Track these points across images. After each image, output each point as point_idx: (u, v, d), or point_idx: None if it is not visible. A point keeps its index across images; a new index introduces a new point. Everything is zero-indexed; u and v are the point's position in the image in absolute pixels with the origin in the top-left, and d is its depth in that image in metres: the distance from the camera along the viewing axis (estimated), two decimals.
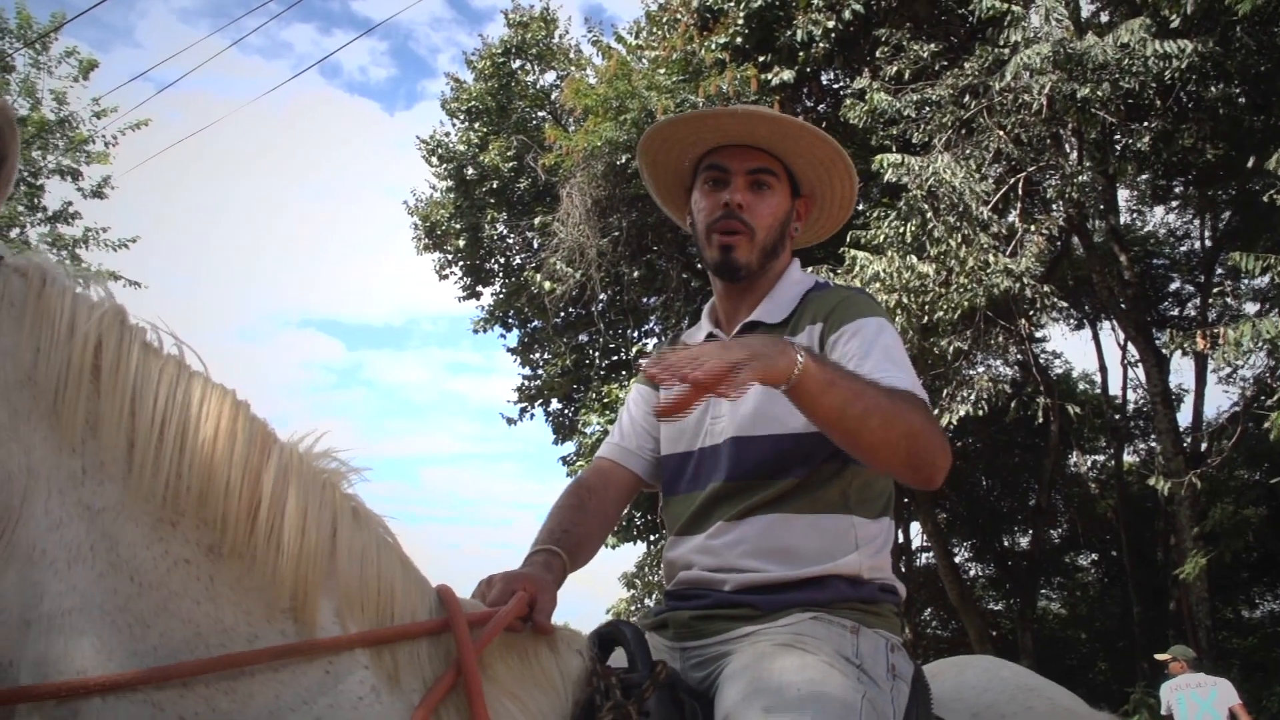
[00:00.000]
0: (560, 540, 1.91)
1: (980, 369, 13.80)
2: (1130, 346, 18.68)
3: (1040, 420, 14.06)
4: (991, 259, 11.55)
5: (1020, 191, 12.78)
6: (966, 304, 11.59)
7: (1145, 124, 12.46)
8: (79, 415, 1.26)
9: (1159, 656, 10.19)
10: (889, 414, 1.64)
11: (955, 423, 12.47)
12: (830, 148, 2.07)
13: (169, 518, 1.28)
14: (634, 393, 2.30)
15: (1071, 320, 20.50)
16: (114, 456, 1.27)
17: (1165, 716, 9.59)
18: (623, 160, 13.80)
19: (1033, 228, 12.76)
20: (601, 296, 16.23)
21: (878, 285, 11.26)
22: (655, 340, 17.25)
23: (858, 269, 11.41)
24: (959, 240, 11.46)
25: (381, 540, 1.49)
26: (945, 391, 12.53)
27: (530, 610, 1.60)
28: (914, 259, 11.42)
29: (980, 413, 12.55)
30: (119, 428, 1.28)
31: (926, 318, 11.70)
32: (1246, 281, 18.07)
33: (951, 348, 12.39)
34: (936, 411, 11.03)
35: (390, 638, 1.39)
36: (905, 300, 11.41)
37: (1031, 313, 13.10)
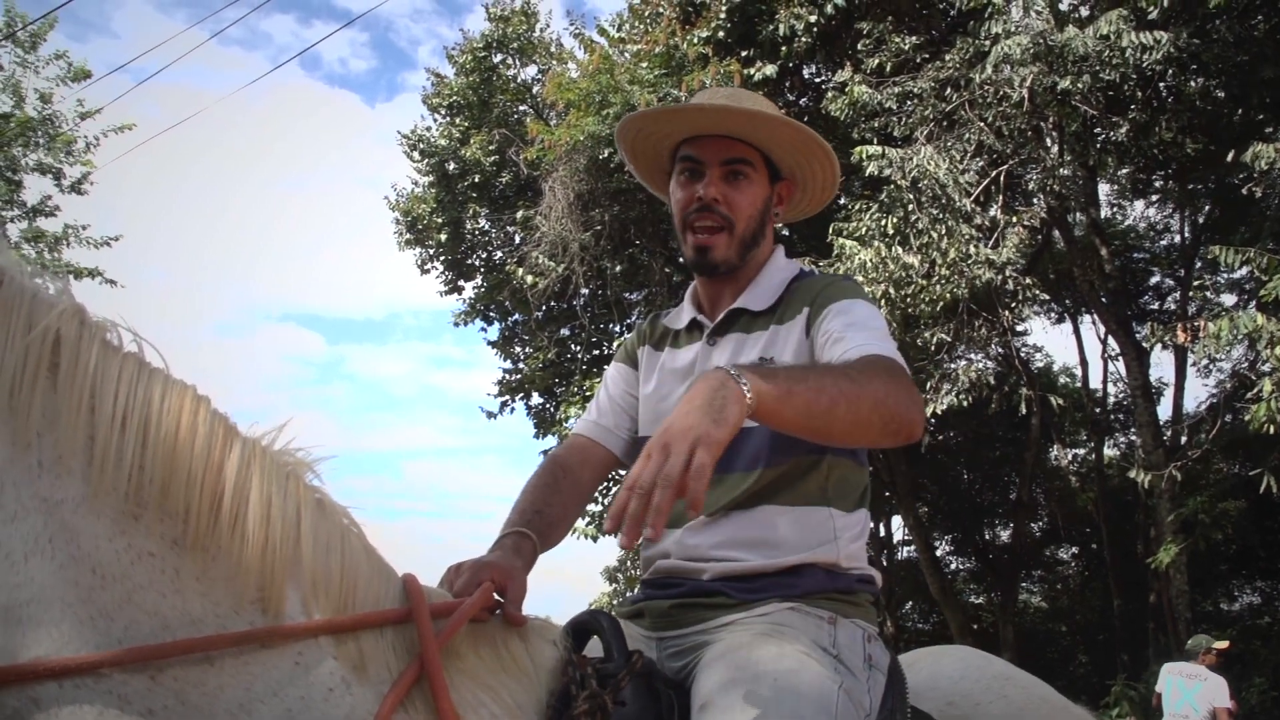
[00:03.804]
0: (531, 521, 1.89)
1: (962, 362, 13.84)
2: (1111, 340, 18.79)
3: (1021, 413, 14.11)
4: (973, 250, 11.56)
5: (1002, 184, 12.80)
6: (949, 296, 11.60)
7: (1125, 116, 12.49)
8: (35, 410, 1.25)
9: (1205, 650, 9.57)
10: (853, 395, 1.56)
11: (937, 416, 12.49)
12: (806, 136, 2.03)
13: (131, 511, 1.27)
14: (612, 370, 2.27)
15: (1052, 314, 20.59)
16: (73, 450, 1.26)
17: (1157, 693, 9.67)
18: (605, 154, 13.76)
19: (1014, 220, 12.78)
20: (584, 290, 16.22)
21: (863, 276, 11.26)
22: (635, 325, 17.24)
23: (846, 258, 11.41)
24: (941, 232, 11.47)
25: (345, 529, 1.48)
26: (928, 384, 12.55)
27: (500, 599, 1.59)
28: (899, 250, 11.42)
29: (965, 405, 12.57)
30: (78, 422, 1.26)
31: (910, 309, 11.72)
32: (1225, 275, 18.21)
33: (935, 339, 12.42)
34: None
35: (352, 625, 1.38)
36: (890, 292, 11.42)
37: (1014, 305, 13.13)
